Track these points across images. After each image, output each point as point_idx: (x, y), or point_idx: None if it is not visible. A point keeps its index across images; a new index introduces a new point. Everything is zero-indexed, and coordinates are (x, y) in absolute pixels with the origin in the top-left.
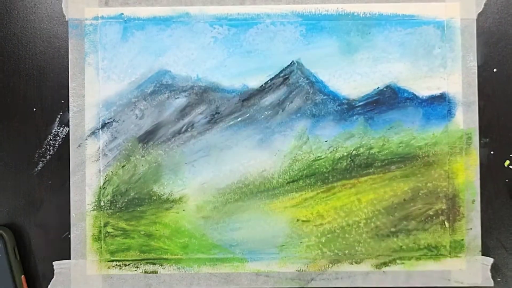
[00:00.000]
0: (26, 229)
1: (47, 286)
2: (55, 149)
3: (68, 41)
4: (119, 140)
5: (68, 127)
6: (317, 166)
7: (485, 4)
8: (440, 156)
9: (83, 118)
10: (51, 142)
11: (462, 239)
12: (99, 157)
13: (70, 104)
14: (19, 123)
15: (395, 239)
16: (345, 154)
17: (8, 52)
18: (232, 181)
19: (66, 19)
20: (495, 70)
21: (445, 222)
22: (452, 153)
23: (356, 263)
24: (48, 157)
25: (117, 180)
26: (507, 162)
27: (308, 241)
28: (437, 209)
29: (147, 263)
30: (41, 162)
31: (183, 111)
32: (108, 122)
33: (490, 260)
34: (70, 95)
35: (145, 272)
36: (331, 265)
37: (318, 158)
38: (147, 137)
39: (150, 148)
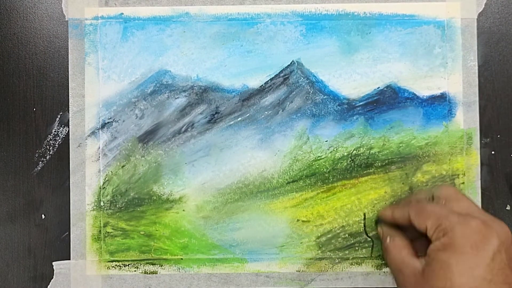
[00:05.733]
0: (26, 229)
1: (47, 286)
2: (55, 149)
3: (68, 41)
4: (119, 140)
5: (68, 127)
6: (317, 166)
7: (486, 4)
8: (440, 156)
9: (83, 118)
10: (51, 142)
11: None
12: (99, 157)
13: (70, 104)
14: (19, 123)
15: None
16: (345, 154)
17: (8, 52)
18: (232, 181)
19: (66, 19)
20: (495, 70)
21: None
22: (452, 153)
23: (356, 263)
24: (48, 157)
25: (117, 180)
26: None
27: (309, 241)
28: None
29: (146, 263)
30: (41, 162)
31: (183, 111)
32: (108, 122)
33: None
34: (70, 95)
35: (145, 272)
36: (331, 265)
37: (318, 158)
38: (147, 137)
39: (150, 148)
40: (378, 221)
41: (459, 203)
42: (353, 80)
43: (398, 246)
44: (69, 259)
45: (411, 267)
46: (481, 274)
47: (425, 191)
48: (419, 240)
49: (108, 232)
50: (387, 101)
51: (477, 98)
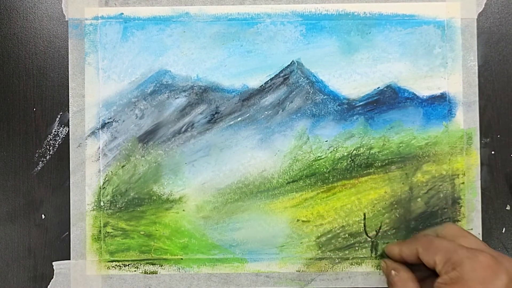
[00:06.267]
0: (26, 229)
1: (47, 286)
2: (55, 149)
3: (68, 41)
4: (119, 140)
5: (68, 127)
6: (317, 166)
7: (486, 4)
8: (440, 156)
9: (83, 118)
10: (51, 142)
11: None
12: (99, 157)
13: (70, 104)
14: (19, 123)
15: (395, 240)
16: (345, 154)
17: (8, 52)
18: (232, 181)
19: (66, 19)
20: (495, 70)
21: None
22: (452, 153)
23: (356, 263)
24: (48, 157)
25: (117, 180)
26: None
27: (308, 241)
28: (437, 209)
29: (146, 263)
30: (41, 162)
31: (183, 111)
32: (108, 122)
33: None
34: (70, 95)
35: (145, 272)
36: (331, 265)
37: (318, 158)
38: (147, 137)
39: (150, 148)
40: (382, 256)
41: (466, 239)
42: (353, 80)
43: (404, 279)
44: (69, 259)
45: None
46: None
47: (429, 230)
48: (426, 280)
49: (108, 232)
50: (387, 101)
51: (477, 98)
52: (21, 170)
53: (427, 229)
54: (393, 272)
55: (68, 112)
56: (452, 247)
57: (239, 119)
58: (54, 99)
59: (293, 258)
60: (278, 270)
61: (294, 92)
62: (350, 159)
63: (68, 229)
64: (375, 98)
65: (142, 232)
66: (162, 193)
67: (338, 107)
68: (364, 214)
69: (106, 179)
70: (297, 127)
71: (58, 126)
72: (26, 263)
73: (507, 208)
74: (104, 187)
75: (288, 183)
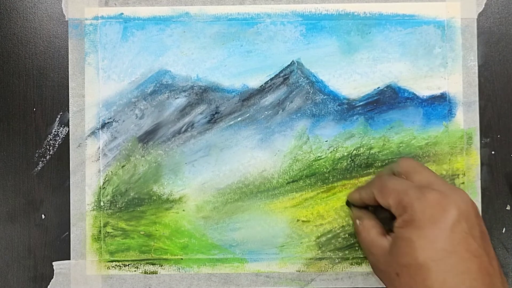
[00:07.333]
0: (26, 229)
1: (47, 286)
2: (55, 149)
3: (68, 41)
4: (119, 140)
5: (68, 127)
6: (317, 166)
7: (486, 4)
8: (440, 156)
9: (83, 118)
10: (51, 142)
11: None
12: (99, 157)
13: (70, 104)
14: (19, 123)
15: None
16: (345, 154)
17: (8, 52)
18: (232, 181)
19: (66, 19)
20: (495, 70)
21: None
22: (452, 153)
23: (356, 263)
24: (48, 157)
25: (117, 180)
26: None
27: (308, 241)
28: None
29: (146, 263)
30: (41, 162)
31: (183, 111)
32: (108, 122)
33: None
34: (70, 95)
35: (145, 272)
36: (331, 265)
37: (318, 158)
38: (147, 137)
39: (150, 148)
40: (348, 204)
41: (419, 175)
42: (353, 80)
43: (367, 227)
44: (69, 259)
45: (379, 246)
46: (442, 246)
47: (387, 167)
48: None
49: (108, 232)
50: (387, 101)
51: (477, 98)
52: (21, 170)
53: (385, 167)
54: (357, 221)
55: (68, 112)
56: (403, 188)
57: (239, 119)
58: (54, 99)
59: (293, 258)
60: (278, 270)
61: (294, 92)
62: (350, 159)
63: (68, 229)
64: (375, 98)
65: (142, 232)
66: (162, 193)
67: (338, 107)
68: None
69: (106, 179)
70: (297, 127)
71: (58, 126)
72: (26, 263)
73: (507, 208)
74: (104, 187)
75: (288, 183)
